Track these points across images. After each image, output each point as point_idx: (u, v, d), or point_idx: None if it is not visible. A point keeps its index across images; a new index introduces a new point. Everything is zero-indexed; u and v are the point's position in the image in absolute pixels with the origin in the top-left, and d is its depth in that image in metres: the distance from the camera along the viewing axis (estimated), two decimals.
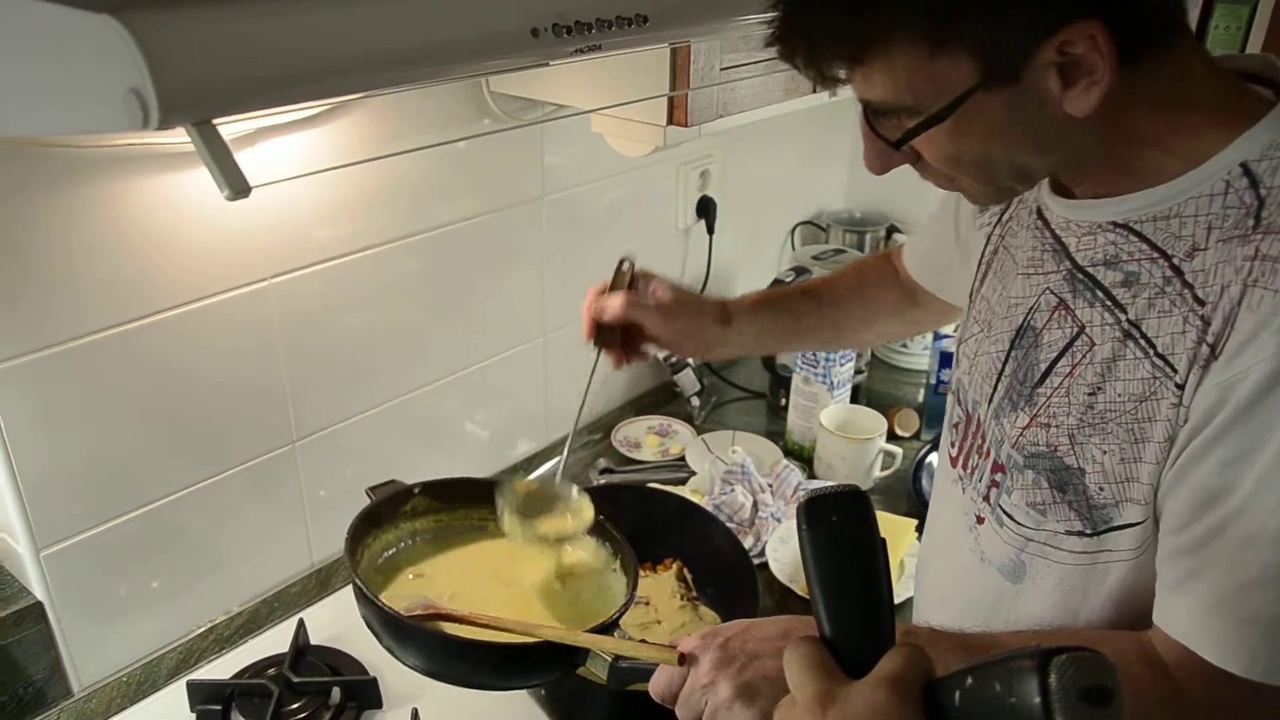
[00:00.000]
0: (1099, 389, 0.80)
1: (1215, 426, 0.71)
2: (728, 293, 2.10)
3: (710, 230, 1.94)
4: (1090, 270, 0.83)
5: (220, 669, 1.35)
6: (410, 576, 1.11)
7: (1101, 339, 0.81)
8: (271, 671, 1.30)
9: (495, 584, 1.13)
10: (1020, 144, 0.76)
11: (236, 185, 0.61)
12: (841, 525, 0.62)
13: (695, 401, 1.95)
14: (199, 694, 1.25)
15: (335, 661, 1.34)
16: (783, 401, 1.94)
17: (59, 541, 1.19)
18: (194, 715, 1.25)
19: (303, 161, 1.27)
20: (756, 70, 1.36)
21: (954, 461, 1.00)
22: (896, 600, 1.41)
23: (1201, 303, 0.73)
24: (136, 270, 1.17)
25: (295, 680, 1.27)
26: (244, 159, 1.18)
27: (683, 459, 1.77)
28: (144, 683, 1.32)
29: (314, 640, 1.37)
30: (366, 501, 1.14)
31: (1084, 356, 0.82)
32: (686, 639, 0.86)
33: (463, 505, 1.19)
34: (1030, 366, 0.88)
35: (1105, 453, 0.80)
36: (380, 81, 0.72)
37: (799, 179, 2.23)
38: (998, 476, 0.91)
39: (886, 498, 1.70)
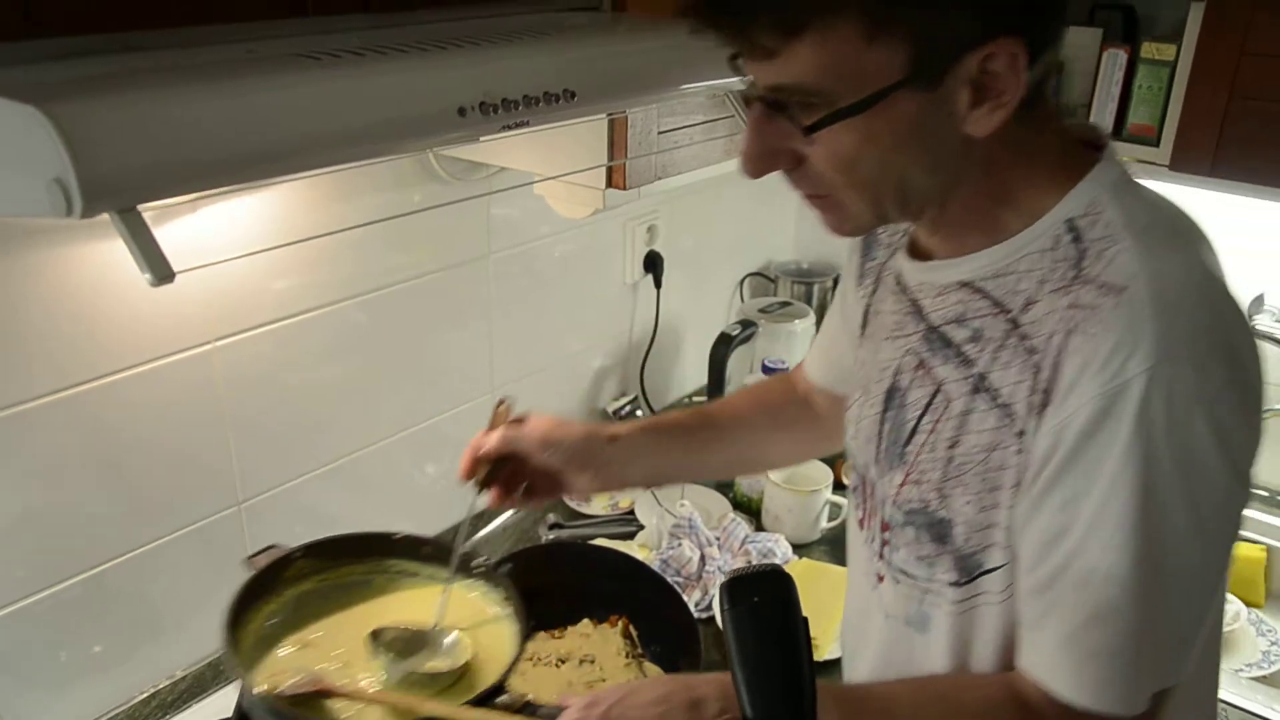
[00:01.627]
0: (957, 442, 0.84)
1: (1051, 469, 0.76)
2: (676, 348, 2.13)
3: (658, 284, 1.96)
4: (943, 329, 0.86)
5: None
6: (297, 647, 1.06)
7: (955, 394, 0.84)
8: None
9: None
10: (917, 157, 0.77)
11: (160, 272, 0.62)
12: (762, 606, 0.63)
13: None
14: None
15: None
16: None
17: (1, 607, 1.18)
18: None
19: (245, 227, 1.29)
20: (695, 134, 1.40)
21: (860, 523, 1.02)
22: (830, 657, 1.42)
23: (1034, 351, 0.77)
24: (79, 335, 1.17)
25: None
26: (182, 226, 1.21)
27: (632, 513, 1.78)
28: None
29: None
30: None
31: (942, 412, 0.85)
32: (569, 705, 0.88)
33: (348, 562, 1.15)
34: (900, 426, 0.90)
35: (968, 503, 0.83)
36: (306, 164, 0.74)
37: (746, 230, 2.27)
38: (886, 535, 0.94)
39: (833, 548, 1.71)
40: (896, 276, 0.94)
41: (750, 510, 1.81)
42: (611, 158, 1.29)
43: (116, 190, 0.62)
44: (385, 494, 1.62)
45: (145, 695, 1.36)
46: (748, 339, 1.91)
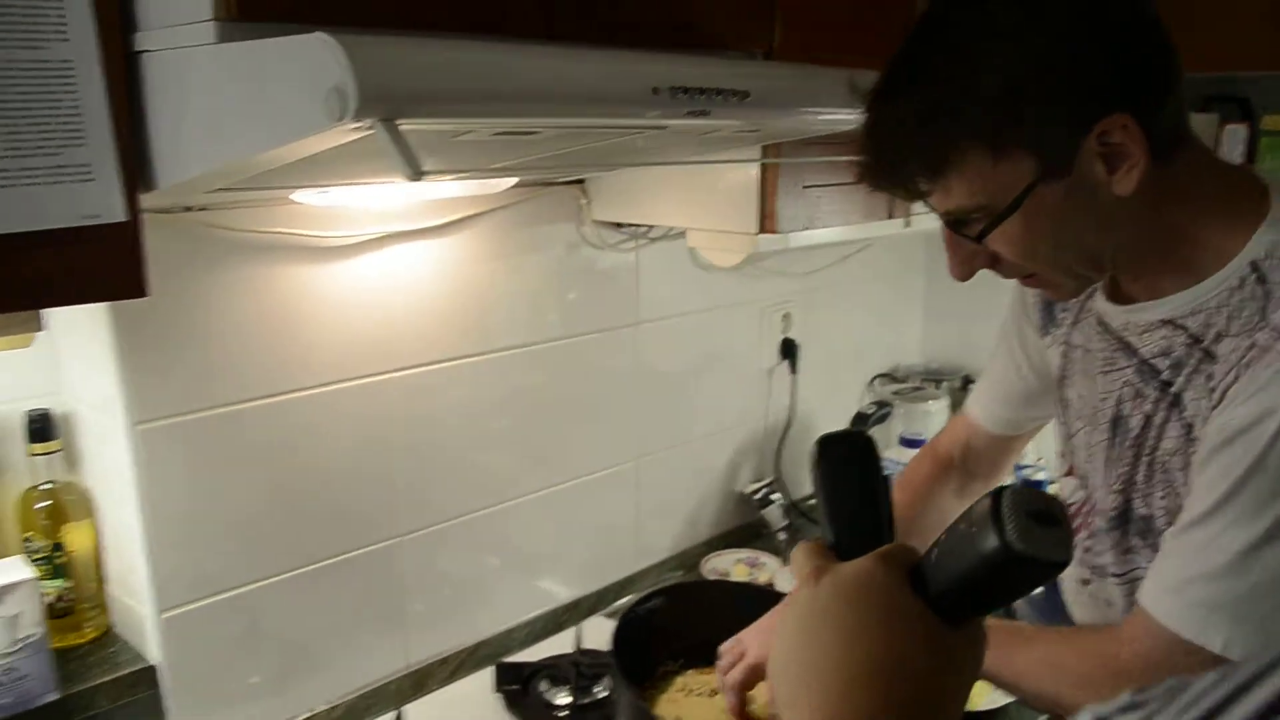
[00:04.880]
0: (1155, 450, 0.97)
1: (1204, 457, 0.89)
2: (809, 437, 2.16)
3: (794, 369, 2.02)
4: (1152, 361, 0.98)
5: None
6: None
7: (1158, 413, 0.97)
8: None
9: None
10: (1084, 226, 0.91)
11: (415, 168, 0.72)
12: (846, 455, 0.70)
13: (783, 536, 1.97)
14: None
15: None
16: None
17: (179, 605, 1.25)
18: None
19: (422, 269, 1.41)
20: (836, 194, 1.49)
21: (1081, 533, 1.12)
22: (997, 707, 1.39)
23: (1213, 377, 0.90)
24: (278, 350, 1.29)
25: None
26: (369, 262, 1.34)
27: (771, 586, 1.78)
28: None
29: None
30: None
31: (1148, 428, 0.98)
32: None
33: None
34: (1123, 446, 1.02)
35: (1162, 498, 0.97)
36: (531, 111, 0.84)
37: (874, 332, 2.33)
38: (1089, 542, 1.08)
39: None
40: (1099, 319, 1.06)
41: None
42: (763, 203, 1.39)
43: (383, 99, 0.72)
44: (524, 549, 1.66)
45: (303, 718, 1.40)
46: (883, 419, 1.93)
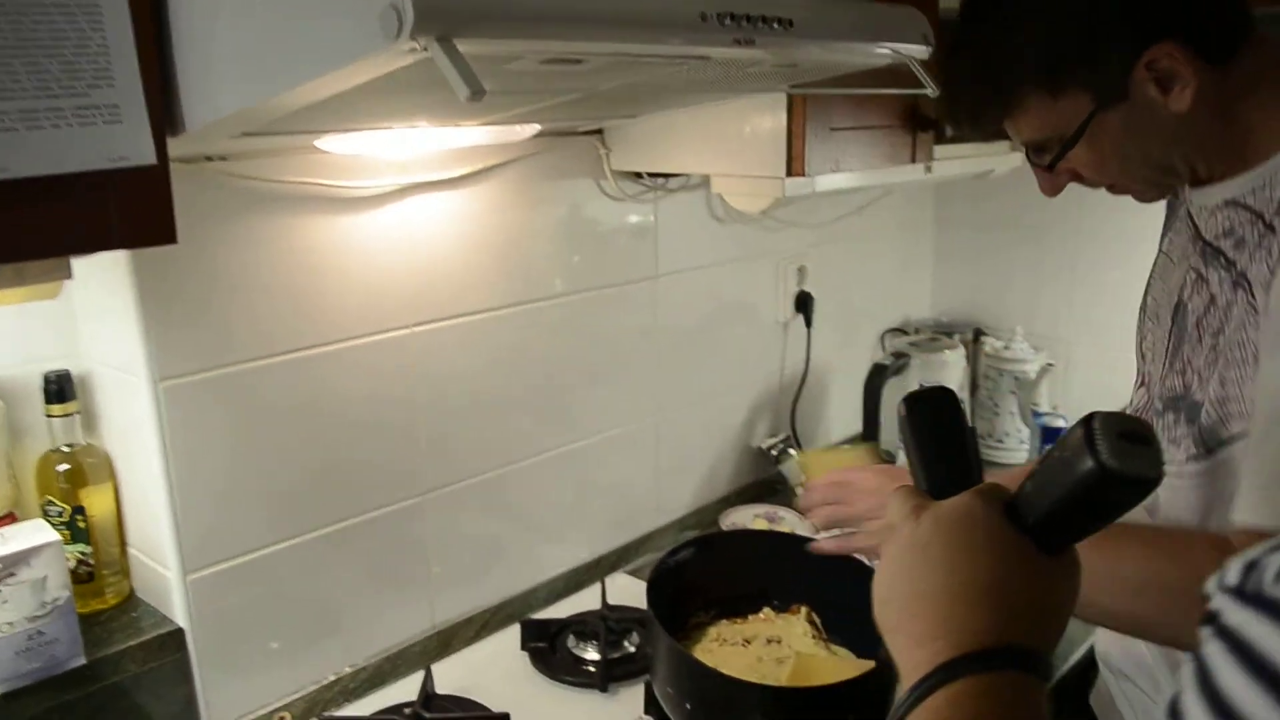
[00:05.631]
0: (1220, 331, 0.94)
1: (1272, 332, 0.85)
2: (823, 392, 2.15)
3: (808, 324, 2.00)
4: (1214, 243, 0.98)
5: None
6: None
7: (1221, 293, 0.95)
8: (407, 710, 1.29)
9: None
10: (1148, 142, 0.96)
11: (474, 86, 0.69)
12: (933, 408, 0.73)
13: (800, 491, 1.95)
14: None
15: (463, 708, 1.32)
16: None
17: (206, 567, 1.22)
18: None
19: (445, 219, 1.38)
20: (862, 136, 1.46)
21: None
22: None
23: (1274, 234, 0.88)
24: (302, 304, 1.25)
25: (428, 717, 1.26)
26: (392, 213, 1.30)
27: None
28: None
29: (440, 692, 1.36)
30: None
31: (1210, 309, 0.96)
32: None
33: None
34: (1182, 332, 1.00)
35: (1220, 382, 0.92)
36: (579, 34, 0.81)
37: (885, 286, 2.31)
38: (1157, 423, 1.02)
39: None
40: (1186, 207, 1.07)
41: None
42: (790, 146, 1.36)
43: (440, 17, 0.69)
44: (544, 507, 1.64)
45: (328, 681, 1.37)
46: (900, 370, 1.92)
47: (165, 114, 0.88)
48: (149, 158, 0.89)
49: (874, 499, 1.15)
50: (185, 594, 1.21)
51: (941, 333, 2.24)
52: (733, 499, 1.96)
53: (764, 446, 1.98)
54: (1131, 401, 1.16)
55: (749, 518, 1.89)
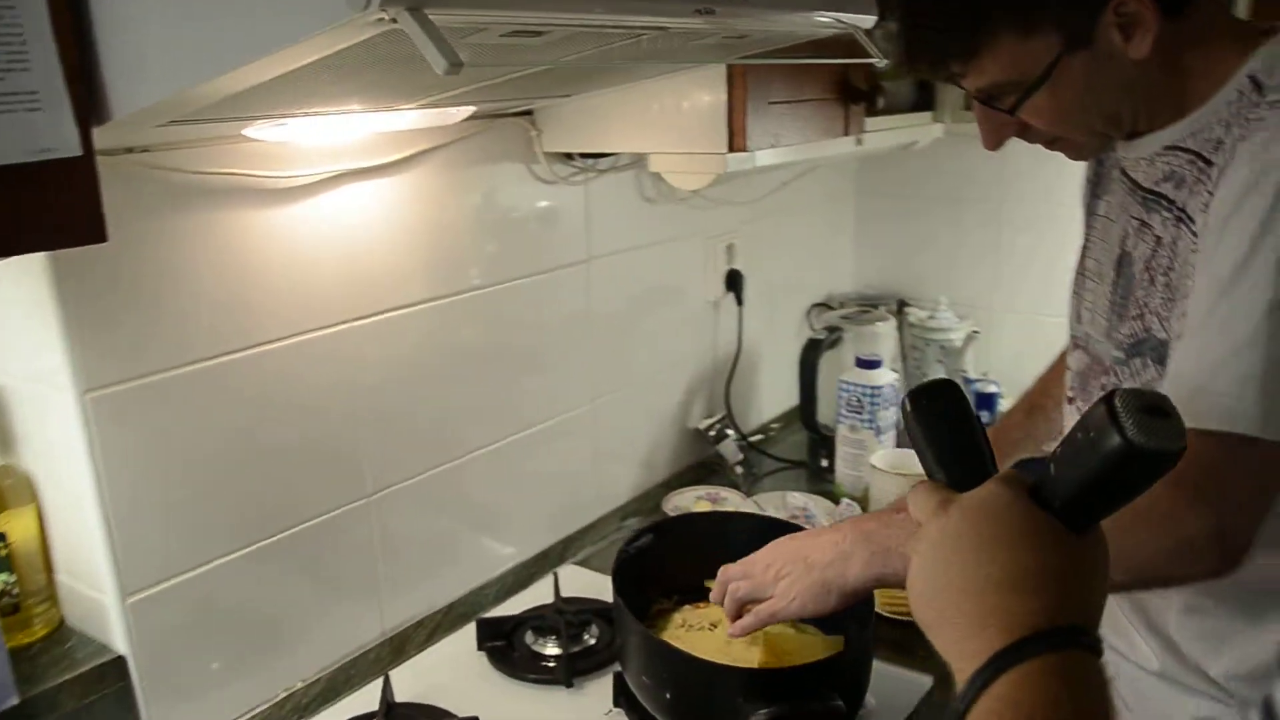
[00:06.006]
0: (1170, 269, 0.97)
1: (1210, 240, 0.89)
2: (755, 369, 2.14)
3: (739, 302, 1.99)
4: (1155, 188, 1.00)
5: None
6: None
7: (1165, 232, 0.98)
8: None
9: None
10: (1105, 90, 0.97)
11: (451, 59, 0.65)
12: (940, 402, 0.73)
13: (740, 470, 1.95)
14: None
15: (428, 715, 1.28)
16: (824, 463, 1.95)
17: (145, 588, 1.15)
18: None
19: (374, 204, 1.32)
20: (798, 110, 1.45)
21: (1071, 403, 1.13)
22: None
23: (1213, 165, 0.92)
24: (235, 303, 1.18)
25: None
26: (327, 199, 1.24)
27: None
28: None
29: (400, 700, 1.31)
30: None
31: (1158, 250, 0.99)
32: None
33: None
34: (1129, 281, 1.02)
35: (1181, 316, 0.94)
36: (540, 5, 0.77)
37: (809, 261, 2.32)
38: (1107, 380, 1.04)
39: None
40: (1118, 167, 1.09)
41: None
42: (731, 121, 1.34)
43: None
44: (488, 503, 1.59)
45: (280, 698, 1.31)
46: (835, 344, 1.93)
47: (89, 100, 0.81)
48: (74, 149, 0.82)
49: (770, 569, 1.10)
50: (125, 618, 1.13)
51: (868, 305, 2.26)
52: (673, 482, 1.95)
53: (701, 428, 1.97)
54: (1070, 367, 1.18)
55: (691, 500, 1.88)
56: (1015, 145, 1.07)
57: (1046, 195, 2.09)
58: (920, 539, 0.68)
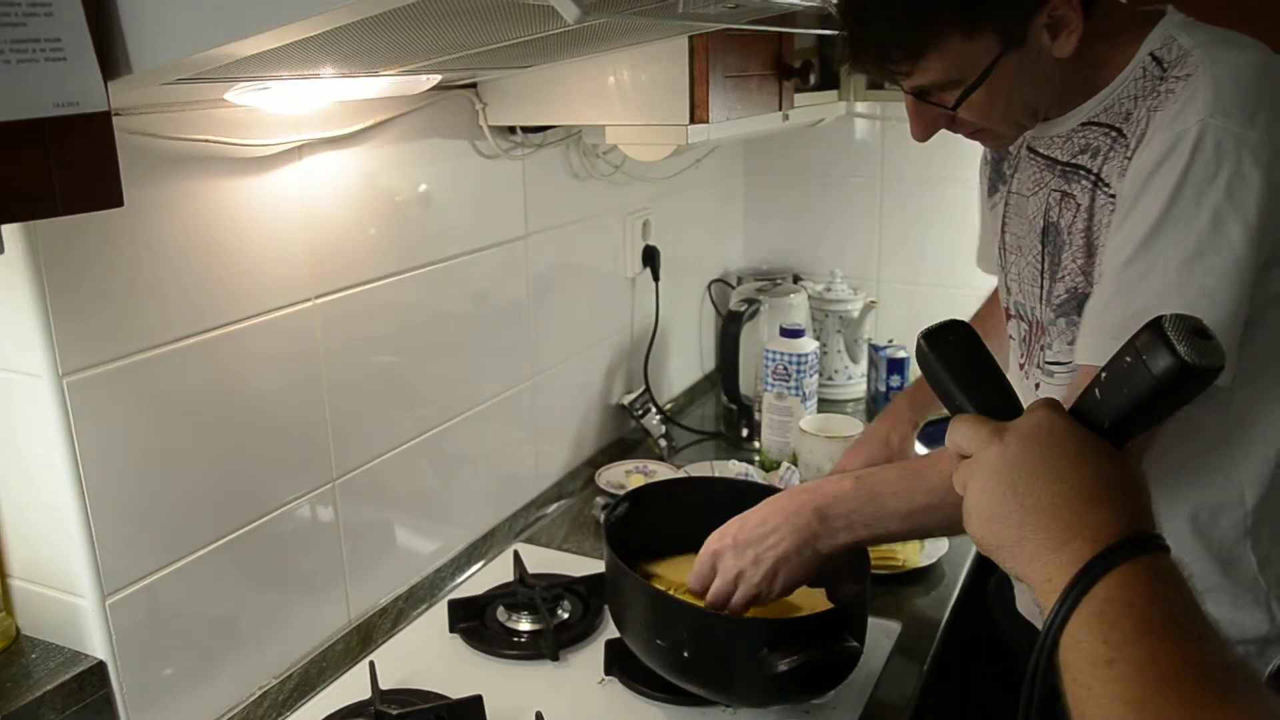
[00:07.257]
0: (1088, 229, 1.05)
1: (1128, 201, 0.97)
2: (668, 344, 2.18)
3: (656, 278, 2.02)
4: (1073, 161, 1.09)
5: None
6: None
7: (1084, 198, 1.06)
8: (371, 710, 1.19)
9: None
10: (1031, 87, 1.06)
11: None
12: (957, 339, 0.76)
13: (664, 443, 1.98)
14: None
15: (419, 699, 1.24)
16: (744, 432, 2.01)
17: (126, 587, 1.07)
18: None
19: (341, 173, 1.27)
20: (745, 84, 1.49)
21: (1021, 369, 1.20)
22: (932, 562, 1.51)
23: (1127, 136, 1.01)
24: (207, 277, 1.11)
25: (395, 713, 1.17)
26: (289, 173, 1.19)
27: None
28: None
29: (384, 687, 1.27)
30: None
31: (1078, 214, 1.07)
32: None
33: None
34: (1057, 250, 1.11)
35: (1099, 267, 1.03)
36: None
37: (707, 239, 2.38)
38: (1041, 340, 1.13)
39: None
40: (1028, 148, 1.16)
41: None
42: (693, 93, 1.36)
43: None
44: (436, 484, 1.56)
45: (254, 697, 1.24)
46: (754, 315, 1.98)
47: (106, 52, 0.75)
48: (99, 103, 0.77)
49: (740, 558, 1.19)
50: (105, 621, 1.05)
51: (764, 279, 2.33)
52: (599, 459, 1.96)
53: (625, 403, 1.98)
54: (1013, 336, 1.24)
55: (622, 474, 1.89)
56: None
57: (923, 171, 2.21)
58: (976, 466, 0.70)
